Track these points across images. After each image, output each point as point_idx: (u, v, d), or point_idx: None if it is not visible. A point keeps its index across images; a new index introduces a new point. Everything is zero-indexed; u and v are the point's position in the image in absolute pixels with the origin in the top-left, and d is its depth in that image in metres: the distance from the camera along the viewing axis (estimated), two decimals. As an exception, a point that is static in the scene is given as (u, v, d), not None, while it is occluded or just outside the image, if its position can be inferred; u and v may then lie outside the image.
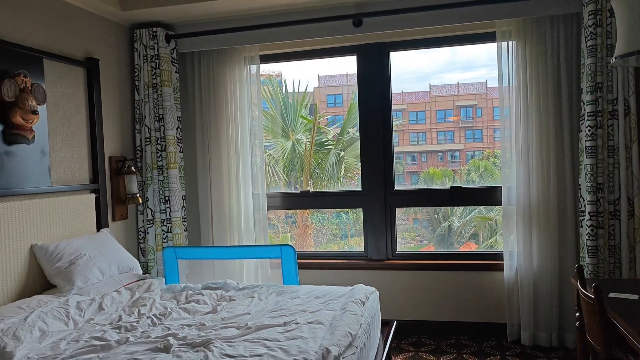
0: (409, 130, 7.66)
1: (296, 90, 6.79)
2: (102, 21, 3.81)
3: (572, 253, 3.63)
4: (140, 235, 4.10)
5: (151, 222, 4.06)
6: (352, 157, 6.75)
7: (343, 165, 6.88)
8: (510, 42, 3.73)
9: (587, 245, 3.38)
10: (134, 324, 2.65)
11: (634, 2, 2.05)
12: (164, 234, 4.07)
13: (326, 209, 6.10)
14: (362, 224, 4.28)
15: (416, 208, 6.96)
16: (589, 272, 3.35)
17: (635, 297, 2.31)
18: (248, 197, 4.22)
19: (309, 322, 2.54)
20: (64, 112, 3.39)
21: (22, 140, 2.98)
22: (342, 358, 2.12)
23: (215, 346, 2.27)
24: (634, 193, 3.29)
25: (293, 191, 4.85)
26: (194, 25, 4.13)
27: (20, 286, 2.96)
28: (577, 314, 2.54)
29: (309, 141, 6.88)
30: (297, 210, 6.13)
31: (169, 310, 2.86)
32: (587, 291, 2.22)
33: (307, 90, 6.84)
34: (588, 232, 3.37)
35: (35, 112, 2.97)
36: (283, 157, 6.61)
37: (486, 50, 4.35)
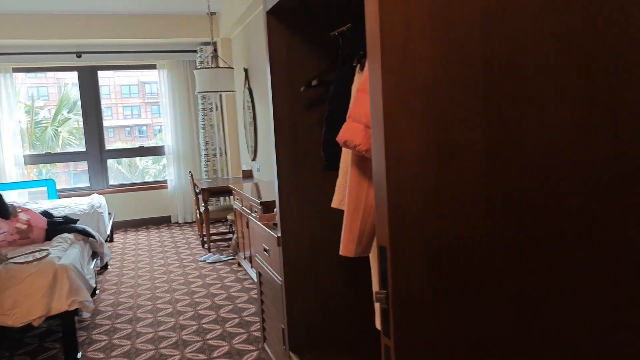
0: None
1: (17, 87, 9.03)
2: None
3: (199, 175, 7.59)
4: None
5: None
6: (66, 132, 9.44)
7: (60, 137, 9.51)
8: (164, 70, 7.39)
9: (204, 170, 7.39)
10: None
11: (200, 74, 5.89)
12: None
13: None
14: (88, 173, 7.37)
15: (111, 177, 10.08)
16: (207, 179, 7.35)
17: (210, 181, 6.30)
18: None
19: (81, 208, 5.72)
20: None
21: None
22: (99, 208, 5.43)
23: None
24: (221, 145, 7.42)
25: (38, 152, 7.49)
26: None
27: None
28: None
29: (28, 120, 9.23)
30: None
31: None
32: (194, 182, 6.06)
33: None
34: (204, 164, 7.38)
35: None
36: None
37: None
